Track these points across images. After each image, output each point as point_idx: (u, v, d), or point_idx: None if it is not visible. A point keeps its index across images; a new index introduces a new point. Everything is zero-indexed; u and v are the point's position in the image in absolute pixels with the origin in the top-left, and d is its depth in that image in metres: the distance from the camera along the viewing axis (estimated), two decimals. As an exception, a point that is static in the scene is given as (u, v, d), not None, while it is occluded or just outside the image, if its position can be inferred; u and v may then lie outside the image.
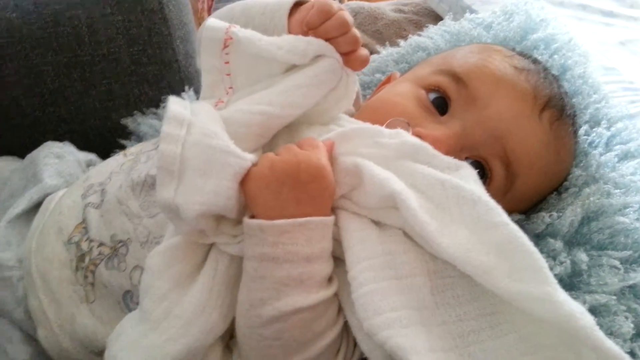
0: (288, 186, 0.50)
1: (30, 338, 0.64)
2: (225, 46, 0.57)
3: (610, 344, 0.41)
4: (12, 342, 0.64)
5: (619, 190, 0.61)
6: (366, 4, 1.26)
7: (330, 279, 0.53)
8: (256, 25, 0.60)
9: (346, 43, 0.58)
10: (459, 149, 0.59)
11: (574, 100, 0.72)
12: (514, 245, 0.46)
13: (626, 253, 0.56)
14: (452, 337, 0.48)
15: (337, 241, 0.53)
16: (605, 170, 0.63)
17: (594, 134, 0.69)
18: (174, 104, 0.53)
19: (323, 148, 0.53)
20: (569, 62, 0.75)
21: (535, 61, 0.67)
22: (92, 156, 0.89)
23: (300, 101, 0.57)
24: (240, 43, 0.56)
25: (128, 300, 0.60)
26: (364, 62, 0.60)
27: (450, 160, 0.53)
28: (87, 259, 0.62)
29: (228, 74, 0.59)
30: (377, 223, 0.54)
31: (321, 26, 0.57)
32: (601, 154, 0.66)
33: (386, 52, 0.92)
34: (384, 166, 0.53)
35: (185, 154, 0.49)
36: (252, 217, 0.51)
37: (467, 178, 0.52)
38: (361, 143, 0.55)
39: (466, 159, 0.60)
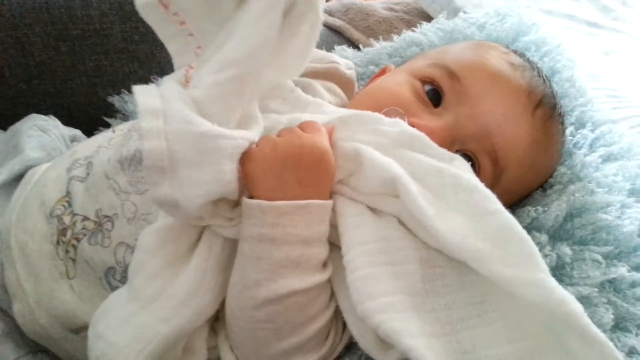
0: (290, 168, 0.50)
1: (5, 314, 0.63)
2: (163, 5, 0.52)
3: (596, 330, 0.43)
4: (-16, 318, 0.62)
5: (601, 189, 0.62)
6: (358, 0, 1.27)
7: (325, 264, 0.53)
8: None
9: None
10: (450, 142, 0.60)
11: (561, 101, 0.74)
12: (509, 233, 0.47)
13: (607, 248, 0.58)
14: (441, 324, 0.49)
15: (332, 226, 0.53)
16: (589, 170, 0.65)
17: (579, 136, 0.70)
18: (142, 96, 0.48)
19: (325, 132, 0.53)
20: (558, 65, 0.77)
21: (528, 60, 0.68)
22: (77, 132, 0.87)
23: (263, 41, 0.50)
24: None
25: (110, 277, 0.59)
26: None
27: (444, 152, 0.54)
28: (69, 233, 0.61)
29: (190, 34, 0.54)
30: (372, 210, 0.54)
31: None
32: (585, 155, 0.67)
33: (380, 46, 0.93)
34: (382, 153, 0.53)
35: (172, 146, 0.47)
36: (251, 197, 0.51)
37: (462, 169, 0.52)
38: (360, 129, 0.55)
39: (457, 151, 0.60)
